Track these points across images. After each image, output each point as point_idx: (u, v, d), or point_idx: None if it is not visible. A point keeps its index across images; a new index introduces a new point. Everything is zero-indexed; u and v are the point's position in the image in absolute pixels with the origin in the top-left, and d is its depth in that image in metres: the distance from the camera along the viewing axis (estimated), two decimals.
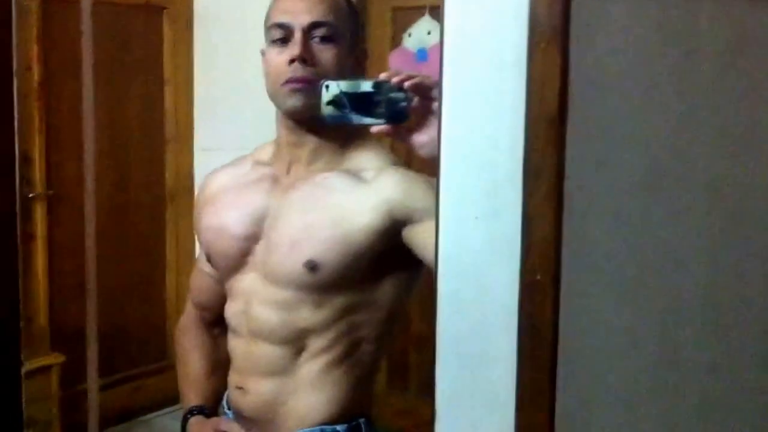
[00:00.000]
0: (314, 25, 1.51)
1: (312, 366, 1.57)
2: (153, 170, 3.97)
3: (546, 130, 0.91)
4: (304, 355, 1.57)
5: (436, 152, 1.26)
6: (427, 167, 1.34)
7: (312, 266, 1.50)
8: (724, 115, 1.08)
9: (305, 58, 1.49)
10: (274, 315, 1.56)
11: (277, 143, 1.63)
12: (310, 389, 1.58)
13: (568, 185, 0.93)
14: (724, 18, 1.06)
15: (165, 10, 3.92)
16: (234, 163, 1.73)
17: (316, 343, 1.56)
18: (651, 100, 1.02)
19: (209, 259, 1.68)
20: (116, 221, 3.74)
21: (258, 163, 1.67)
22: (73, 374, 3.47)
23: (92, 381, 1.43)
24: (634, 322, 1.05)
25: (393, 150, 1.74)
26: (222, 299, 1.72)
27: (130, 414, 3.85)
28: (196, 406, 1.73)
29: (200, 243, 1.72)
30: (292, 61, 1.49)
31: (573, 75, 0.90)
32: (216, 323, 1.79)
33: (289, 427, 1.59)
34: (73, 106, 3.60)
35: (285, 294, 1.54)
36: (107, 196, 3.65)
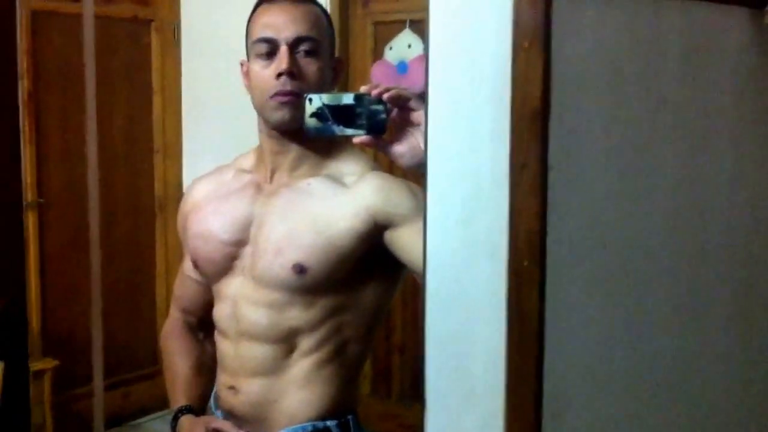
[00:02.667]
0: (299, 40, 1.55)
1: (302, 365, 1.61)
2: (142, 179, 4.01)
3: (530, 126, 0.97)
4: (295, 354, 1.61)
5: (414, 162, 1.32)
6: (409, 173, 1.40)
7: (300, 269, 1.54)
8: (688, 110, 1.15)
9: (293, 72, 1.53)
10: (265, 316, 1.60)
11: (260, 152, 1.67)
12: (301, 387, 1.61)
13: (552, 177, 0.99)
14: (687, 21, 1.13)
15: (152, 23, 3.97)
16: (216, 171, 1.76)
17: (305, 343, 1.60)
18: (622, 97, 1.08)
19: (196, 265, 1.72)
20: (106, 229, 3.77)
21: (240, 171, 1.71)
22: (65, 379, 3.50)
23: (98, 383, 1.47)
24: (611, 307, 1.11)
25: (376, 158, 1.78)
26: (207, 304, 1.77)
27: (120, 419, 3.87)
28: (185, 406, 1.74)
29: (186, 250, 1.76)
30: (279, 75, 1.53)
31: (554, 73, 0.95)
32: (200, 327, 1.84)
33: (280, 425, 1.62)
34: (62, 117, 3.65)
35: (274, 296, 1.58)
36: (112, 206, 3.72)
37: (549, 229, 0.99)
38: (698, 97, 1.18)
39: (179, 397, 1.77)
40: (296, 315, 1.59)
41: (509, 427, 1.05)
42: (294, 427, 1.61)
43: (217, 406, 1.73)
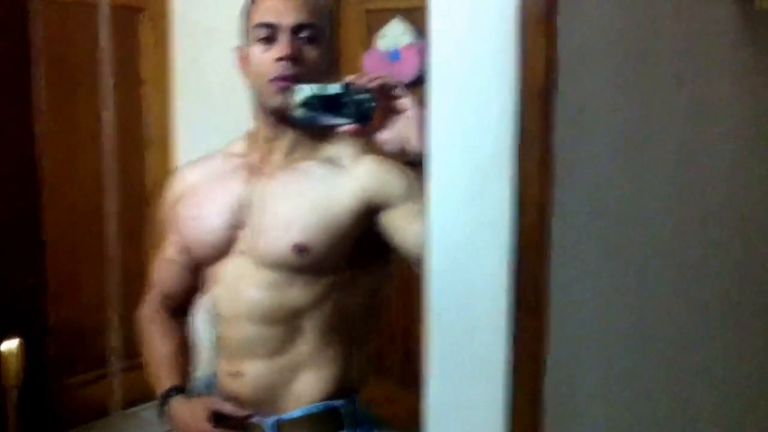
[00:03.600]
0: (300, 27, 1.57)
1: (307, 346, 1.63)
2: (133, 172, 4.01)
3: (537, 102, 1.00)
4: (298, 335, 1.63)
5: (400, 147, 1.36)
6: (396, 159, 1.45)
7: (301, 249, 1.56)
8: (685, 88, 1.19)
9: (294, 56, 1.55)
10: (267, 296, 1.61)
11: (254, 136, 1.69)
12: (307, 368, 1.63)
13: (558, 153, 1.02)
14: (685, 7, 1.17)
15: (143, 12, 3.97)
16: (203, 159, 1.78)
17: (308, 323, 1.62)
18: (623, 75, 1.12)
19: (189, 250, 1.72)
20: (96, 221, 3.76)
21: (229, 155, 1.72)
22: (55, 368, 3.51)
23: (115, 371, 1.50)
24: (616, 279, 1.15)
25: (367, 142, 1.81)
26: (189, 288, 1.78)
27: (115, 407, 3.88)
28: (174, 387, 1.73)
29: (177, 234, 1.75)
30: (280, 59, 1.55)
31: (560, 50, 0.99)
32: (180, 310, 1.84)
33: (287, 407, 1.64)
34: (54, 107, 3.64)
35: (276, 276, 1.59)
36: (87, 197, 3.68)
37: (555, 204, 1.03)
38: (694, 77, 1.22)
39: (164, 378, 1.76)
40: (298, 295, 1.60)
41: (516, 399, 1.08)
42: (303, 408, 1.63)
43: (210, 392, 1.74)
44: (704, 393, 1.30)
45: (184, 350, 1.82)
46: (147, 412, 1.84)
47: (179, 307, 1.84)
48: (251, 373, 1.64)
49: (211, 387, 1.75)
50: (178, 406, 1.70)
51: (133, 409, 3.97)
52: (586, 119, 1.07)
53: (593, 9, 1.07)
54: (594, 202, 1.10)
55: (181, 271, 1.78)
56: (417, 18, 3.51)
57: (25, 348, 1.20)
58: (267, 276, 1.61)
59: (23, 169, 1.26)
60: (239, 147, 1.72)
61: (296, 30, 1.57)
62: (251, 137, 1.70)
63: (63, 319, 3.58)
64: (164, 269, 1.82)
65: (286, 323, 1.62)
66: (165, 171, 4.03)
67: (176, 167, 4.02)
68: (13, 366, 1.22)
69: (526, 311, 1.06)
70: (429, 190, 1.17)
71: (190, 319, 1.88)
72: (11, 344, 1.23)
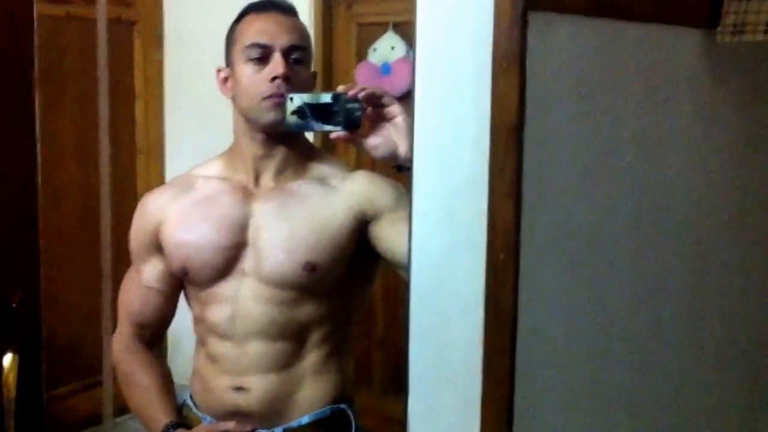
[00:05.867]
0: (292, 48, 1.63)
1: (313, 357, 1.68)
2: (124, 182, 4.04)
3: (507, 136, 1.09)
4: (306, 348, 1.67)
5: (387, 153, 1.45)
6: (386, 168, 1.52)
7: (311, 267, 1.61)
8: (647, 122, 1.28)
9: (288, 76, 1.60)
10: (277, 314, 1.64)
11: (235, 157, 1.70)
12: (313, 379, 1.68)
13: (526, 181, 1.11)
14: (645, 41, 1.26)
15: (135, 25, 4.02)
16: (174, 184, 1.77)
17: (316, 336, 1.67)
18: (588, 110, 1.21)
19: (181, 272, 1.70)
20: (89, 229, 3.81)
21: (209, 178, 1.72)
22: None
23: (107, 383, 1.55)
24: (579, 295, 1.23)
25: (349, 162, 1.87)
26: (166, 316, 1.78)
27: (100, 417, 3.90)
28: (172, 423, 1.71)
29: (162, 260, 1.73)
30: (274, 78, 1.59)
31: (529, 89, 1.08)
32: (155, 342, 1.83)
33: (293, 416, 1.68)
34: (45, 118, 3.68)
35: (286, 294, 1.63)
36: (80, 205, 3.73)
37: (523, 227, 1.11)
38: (656, 110, 1.30)
39: (158, 415, 1.73)
40: (308, 311, 1.65)
41: (485, 407, 1.16)
42: (310, 414, 1.68)
43: (201, 409, 1.74)
44: (664, 406, 1.39)
45: (168, 381, 1.81)
46: (136, 421, 1.85)
47: (153, 338, 1.82)
48: (258, 387, 1.66)
49: (200, 403, 1.75)
50: None
51: (123, 417, 4.00)
52: (553, 150, 1.16)
53: (562, 48, 1.15)
54: (559, 225, 1.19)
55: (159, 298, 1.77)
56: (409, 32, 3.58)
57: (21, 361, 1.26)
58: (275, 294, 1.63)
59: (20, 177, 1.32)
60: (217, 168, 1.73)
61: (288, 51, 1.62)
62: (233, 157, 1.71)
63: (51, 328, 3.61)
64: (140, 297, 1.78)
65: (294, 339, 1.66)
66: (156, 181, 4.08)
67: (165, 177, 4.07)
68: (12, 379, 1.28)
69: (493, 328, 1.14)
70: (411, 211, 1.24)
71: (162, 348, 1.87)
72: (8, 357, 1.29)
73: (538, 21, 1.08)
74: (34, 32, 1.29)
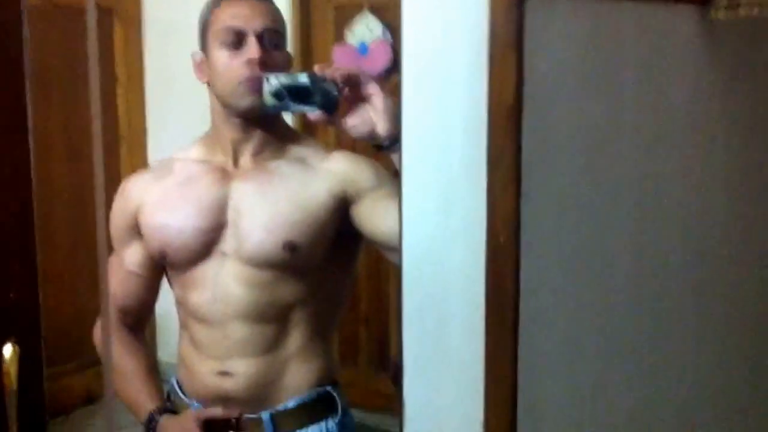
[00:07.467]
0: (266, 32, 1.62)
1: (298, 340, 1.68)
2: (108, 168, 4.02)
3: (505, 122, 1.07)
4: (289, 330, 1.67)
5: (365, 131, 1.45)
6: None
7: (291, 247, 1.60)
8: (645, 103, 1.27)
9: (264, 59, 1.59)
10: (258, 295, 1.64)
11: (214, 139, 1.70)
12: (298, 361, 1.68)
13: (525, 167, 1.09)
14: (641, 21, 1.24)
15: (114, 13, 3.99)
16: (154, 169, 1.79)
17: (298, 318, 1.67)
18: (586, 94, 1.19)
19: (161, 256, 1.70)
20: (77, 210, 3.78)
21: (188, 161, 1.71)
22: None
23: (108, 385, 1.54)
24: (581, 279, 1.23)
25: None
26: (149, 300, 1.79)
27: (96, 396, 3.90)
28: (158, 408, 1.72)
29: (142, 244, 1.72)
30: (249, 62, 1.59)
31: (527, 74, 1.06)
32: (137, 327, 1.82)
33: (279, 400, 1.68)
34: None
35: (266, 275, 1.63)
36: (64, 191, 3.71)
37: (523, 212, 1.10)
38: (654, 91, 1.29)
39: (144, 400, 1.74)
40: (289, 292, 1.65)
41: (490, 393, 1.14)
42: (297, 397, 1.68)
43: (188, 394, 1.74)
44: (665, 399, 1.39)
45: (153, 367, 1.81)
46: None
47: (137, 323, 1.82)
48: (242, 371, 1.66)
49: (186, 389, 1.75)
50: (167, 425, 1.70)
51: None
52: (552, 133, 1.15)
53: (559, 31, 1.14)
54: (560, 212, 1.18)
55: (140, 282, 1.77)
56: (385, 13, 3.58)
57: (21, 351, 1.25)
58: (256, 275, 1.63)
59: (16, 172, 1.30)
60: (196, 152, 1.72)
61: (262, 34, 1.61)
62: (211, 141, 1.71)
63: (44, 308, 3.59)
64: (122, 283, 1.77)
65: (276, 321, 1.66)
66: (139, 167, 4.06)
67: (148, 165, 4.06)
68: (14, 369, 1.27)
69: (495, 316, 1.12)
70: (402, 199, 1.22)
71: (146, 334, 1.86)
72: (9, 349, 1.27)
73: (535, 2, 1.06)
74: (23, 23, 1.26)
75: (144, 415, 1.73)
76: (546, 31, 1.10)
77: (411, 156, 1.21)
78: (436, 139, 1.19)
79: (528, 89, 1.06)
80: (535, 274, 1.14)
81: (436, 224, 1.20)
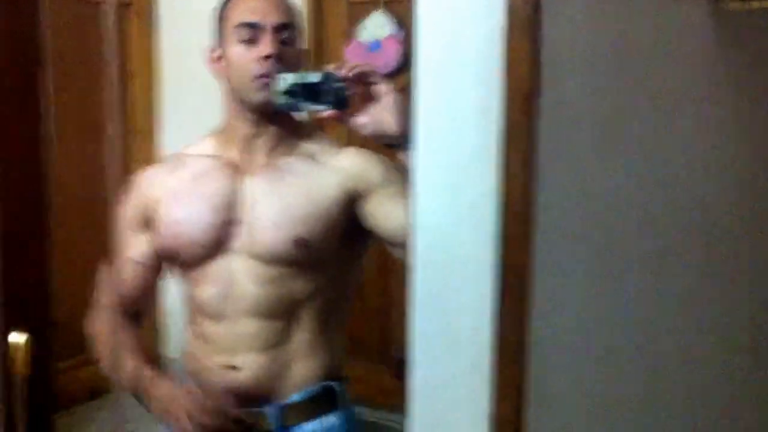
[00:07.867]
0: (281, 27, 1.62)
1: (305, 335, 1.68)
2: (120, 161, 4.04)
3: (521, 104, 1.08)
4: (297, 325, 1.67)
5: (376, 130, 1.46)
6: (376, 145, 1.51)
7: (302, 243, 1.61)
8: (658, 88, 1.27)
9: (279, 55, 1.60)
10: (268, 291, 1.64)
11: (227, 135, 1.69)
12: (305, 356, 1.68)
13: (540, 149, 1.10)
14: (660, 11, 1.25)
15: (130, 6, 4.01)
16: (169, 162, 1.77)
17: (306, 313, 1.67)
18: (602, 77, 1.20)
19: (172, 251, 1.69)
20: (84, 209, 3.79)
21: (201, 156, 1.71)
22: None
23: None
24: (594, 262, 1.23)
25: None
26: (148, 290, 1.78)
27: (100, 390, 3.91)
28: (145, 366, 1.70)
29: (151, 237, 1.72)
30: (267, 57, 1.59)
31: (543, 56, 1.07)
32: (134, 315, 1.81)
33: (285, 394, 1.68)
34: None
35: (276, 271, 1.63)
36: (76, 185, 3.72)
37: (538, 195, 1.11)
38: (669, 77, 1.30)
39: (133, 362, 1.72)
40: (299, 288, 1.65)
41: (499, 373, 1.15)
42: (302, 392, 1.68)
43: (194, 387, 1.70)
44: (677, 377, 1.39)
45: (142, 347, 1.78)
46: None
47: (134, 313, 1.81)
48: (250, 365, 1.66)
49: (203, 380, 1.72)
50: (163, 385, 1.67)
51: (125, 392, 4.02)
52: (568, 117, 1.15)
53: (575, 13, 1.14)
54: (575, 194, 1.19)
55: (145, 272, 1.77)
56: (397, 10, 3.59)
57: (31, 340, 1.26)
58: (267, 271, 1.63)
59: (31, 163, 1.31)
60: (208, 147, 1.72)
61: (278, 29, 1.62)
62: (224, 136, 1.71)
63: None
64: (126, 270, 1.78)
65: (285, 316, 1.66)
66: (152, 160, 4.08)
67: (160, 157, 4.07)
68: (26, 359, 1.28)
69: (510, 296, 1.13)
70: (414, 183, 1.23)
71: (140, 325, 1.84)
72: (22, 338, 1.29)
73: None
74: (40, 15, 1.28)
75: (131, 373, 1.71)
76: (563, 13, 1.11)
77: (425, 141, 1.22)
78: (451, 123, 1.19)
79: (544, 69, 1.07)
80: (548, 260, 1.15)
81: (447, 207, 1.21)
